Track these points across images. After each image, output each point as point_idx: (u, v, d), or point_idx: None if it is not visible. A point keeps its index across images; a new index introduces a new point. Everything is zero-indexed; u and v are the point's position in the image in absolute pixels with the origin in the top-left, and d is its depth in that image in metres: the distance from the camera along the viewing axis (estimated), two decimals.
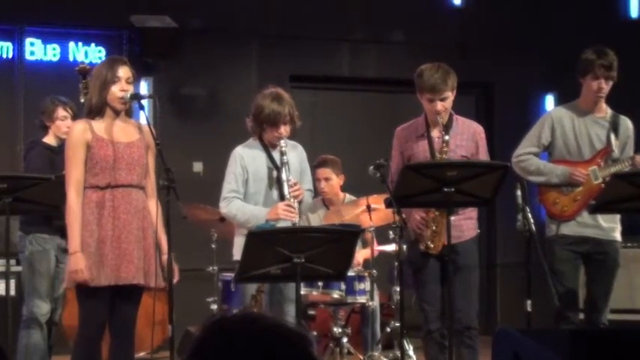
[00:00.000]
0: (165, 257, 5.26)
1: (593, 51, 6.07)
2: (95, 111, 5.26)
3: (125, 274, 5.16)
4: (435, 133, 5.71)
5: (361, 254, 7.42)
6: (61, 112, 6.71)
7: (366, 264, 7.38)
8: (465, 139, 5.75)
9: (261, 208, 5.75)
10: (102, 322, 5.21)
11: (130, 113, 5.38)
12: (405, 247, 5.83)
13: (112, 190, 5.19)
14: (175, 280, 5.31)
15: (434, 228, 5.62)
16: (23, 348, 6.53)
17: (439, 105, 5.61)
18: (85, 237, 5.13)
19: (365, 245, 7.52)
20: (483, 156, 5.77)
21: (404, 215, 5.58)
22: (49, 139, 6.75)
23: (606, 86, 6.05)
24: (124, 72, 5.25)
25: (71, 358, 5.32)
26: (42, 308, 6.57)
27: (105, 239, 5.15)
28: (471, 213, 5.80)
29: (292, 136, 5.90)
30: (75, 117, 6.51)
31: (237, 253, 5.58)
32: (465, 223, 5.73)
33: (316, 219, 7.39)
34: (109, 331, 5.29)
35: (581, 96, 6.19)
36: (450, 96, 5.66)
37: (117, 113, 5.27)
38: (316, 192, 7.01)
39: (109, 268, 5.13)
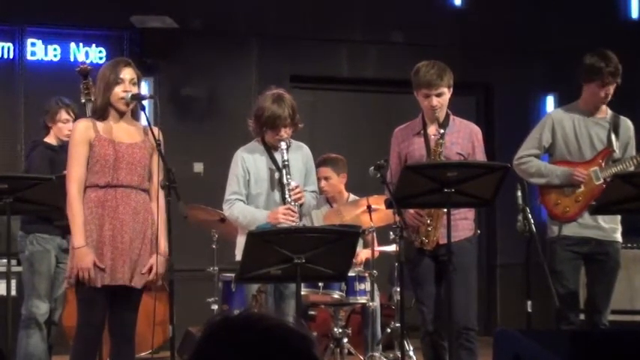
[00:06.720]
0: (162, 258, 5.26)
1: (598, 57, 6.00)
2: (99, 112, 5.28)
3: (121, 275, 5.16)
4: (432, 131, 5.71)
5: (364, 253, 7.42)
6: (63, 114, 6.72)
7: (367, 264, 7.38)
8: (462, 137, 5.75)
9: (262, 210, 5.74)
10: (100, 322, 5.22)
11: (134, 115, 5.39)
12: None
13: (112, 189, 5.19)
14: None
15: (428, 222, 5.63)
16: (23, 348, 6.53)
17: (435, 100, 5.63)
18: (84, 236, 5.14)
19: (366, 246, 7.52)
20: (480, 156, 5.77)
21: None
22: (51, 139, 6.75)
23: (611, 92, 6.05)
24: (127, 73, 5.25)
25: (70, 358, 5.33)
26: (41, 308, 6.57)
27: (103, 239, 5.16)
28: (467, 213, 5.79)
29: (292, 137, 5.89)
30: (76, 120, 6.50)
31: (239, 253, 5.58)
32: (461, 223, 5.71)
33: (319, 216, 7.38)
34: (109, 333, 5.30)
35: (581, 98, 6.17)
36: (446, 92, 5.68)
37: (121, 114, 5.28)
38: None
39: (105, 268, 5.14)
